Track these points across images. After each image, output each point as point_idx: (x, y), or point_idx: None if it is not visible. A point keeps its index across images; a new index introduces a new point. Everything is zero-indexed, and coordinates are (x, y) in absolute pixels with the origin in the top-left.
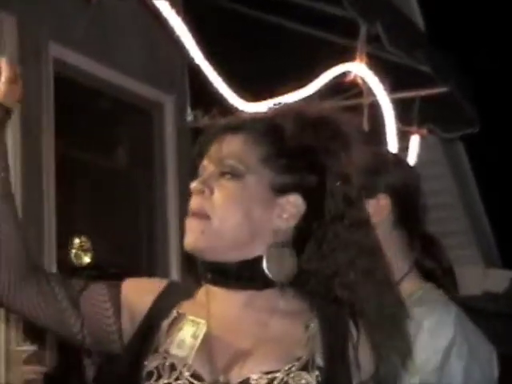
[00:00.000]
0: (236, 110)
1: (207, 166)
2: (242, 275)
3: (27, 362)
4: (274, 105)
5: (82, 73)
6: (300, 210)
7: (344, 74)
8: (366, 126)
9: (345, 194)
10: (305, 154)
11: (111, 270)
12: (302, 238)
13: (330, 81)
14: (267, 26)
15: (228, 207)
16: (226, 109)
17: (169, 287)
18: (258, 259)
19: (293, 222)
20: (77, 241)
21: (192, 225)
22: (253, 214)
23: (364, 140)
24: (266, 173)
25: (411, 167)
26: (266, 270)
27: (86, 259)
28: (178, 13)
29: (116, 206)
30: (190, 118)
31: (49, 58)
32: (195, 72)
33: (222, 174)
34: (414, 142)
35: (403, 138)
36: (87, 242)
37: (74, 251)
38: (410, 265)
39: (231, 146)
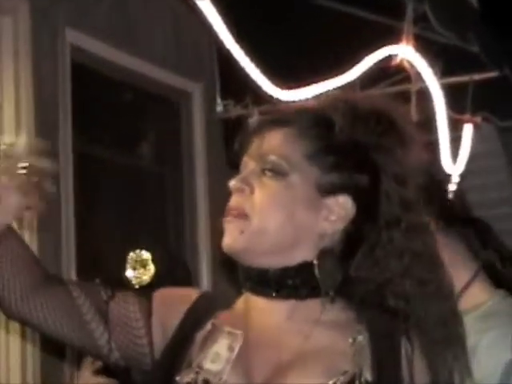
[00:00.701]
0: (271, 98)
1: (247, 163)
2: (285, 283)
3: None
4: (320, 94)
5: (102, 61)
6: (349, 212)
7: (389, 58)
8: (414, 115)
9: (401, 196)
10: (356, 150)
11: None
12: (351, 242)
13: (374, 65)
14: (304, 6)
15: (270, 207)
16: (260, 97)
17: (203, 297)
18: (303, 265)
19: (341, 225)
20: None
21: (230, 225)
22: (297, 216)
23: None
24: (311, 171)
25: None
26: (318, 277)
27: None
28: None
29: (141, 206)
30: (220, 108)
31: (65, 46)
32: (225, 58)
33: (263, 172)
34: (467, 131)
35: (455, 127)
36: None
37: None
38: (474, 270)
39: (273, 141)
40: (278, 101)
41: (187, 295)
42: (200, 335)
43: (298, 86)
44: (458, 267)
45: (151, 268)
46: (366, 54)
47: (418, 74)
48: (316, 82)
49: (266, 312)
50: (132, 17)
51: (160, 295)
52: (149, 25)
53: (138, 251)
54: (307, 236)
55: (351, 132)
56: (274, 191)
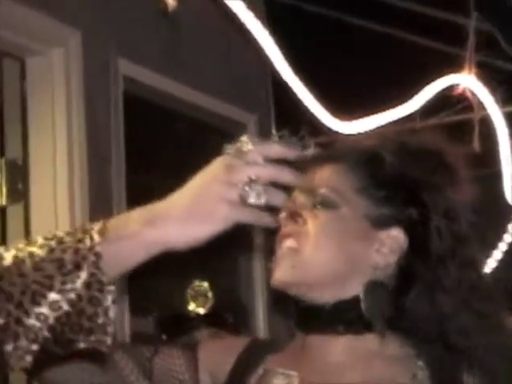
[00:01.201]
0: (327, 129)
1: (297, 197)
2: (339, 318)
3: None
4: (371, 130)
5: (155, 91)
6: (402, 245)
7: (451, 87)
8: (476, 145)
9: (452, 230)
10: (406, 186)
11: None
12: (405, 276)
13: (436, 94)
14: (363, 34)
15: (322, 239)
16: (317, 128)
17: (252, 344)
18: (357, 299)
19: (393, 258)
20: None
21: (281, 258)
22: (349, 248)
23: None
24: (362, 204)
25: None
26: (364, 311)
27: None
28: (261, 22)
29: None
30: (275, 139)
31: (118, 76)
32: (280, 88)
33: (314, 205)
34: None
35: None
36: None
37: None
38: None
39: (324, 176)
40: (335, 133)
41: (235, 343)
42: (253, 380)
43: (357, 117)
44: None
45: (210, 298)
46: (427, 83)
47: (481, 103)
48: (375, 112)
49: (320, 350)
50: (185, 47)
51: (206, 347)
52: (202, 54)
53: (197, 283)
54: (360, 268)
55: (402, 168)
56: (325, 223)
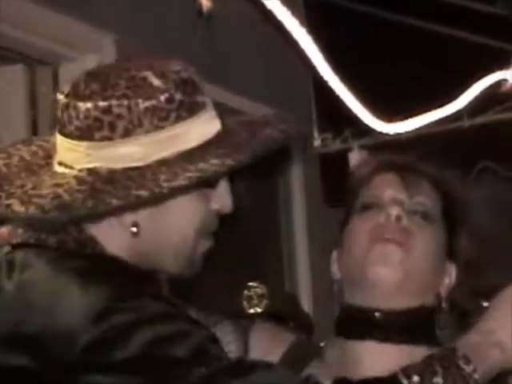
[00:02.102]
0: (372, 131)
1: (401, 197)
2: (406, 326)
3: None
4: (416, 130)
5: None
6: (452, 279)
7: (499, 84)
8: None
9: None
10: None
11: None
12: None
13: (483, 92)
14: (406, 31)
15: (426, 250)
16: (360, 130)
17: (296, 345)
18: (423, 310)
19: (447, 288)
20: None
21: (390, 250)
22: (437, 264)
23: None
24: (443, 229)
25: None
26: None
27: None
28: (301, 23)
29: (238, 248)
30: (317, 142)
31: None
32: (322, 89)
33: (415, 212)
34: None
35: None
36: None
37: None
38: None
39: (422, 188)
40: (380, 134)
41: (284, 337)
42: None
43: (402, 118)
44: None
45: (265, 301)
46: (475, 81)
47: None
48: (421, 112)
49: (373, 359)
50: (223, 49)
51: (258, 331)
52: (240, 57)
53: (253, 284)
54: (434, 284)
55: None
56: (429, 234)
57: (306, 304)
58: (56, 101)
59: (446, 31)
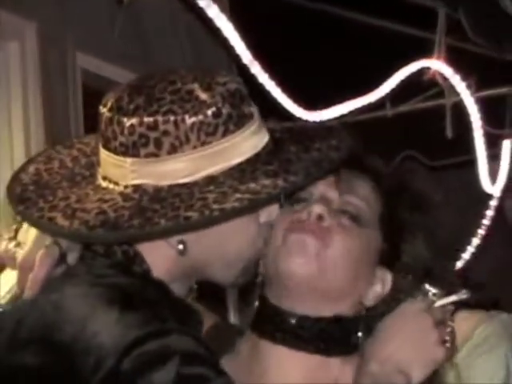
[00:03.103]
0: (295, 119)
1: (330, 195)
2: (316, 335)
3: None
4: (339, 118)
5: (116, 85)
6: (386, 289)
7: (422, 72)
8: (449, 131)
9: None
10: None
11: None
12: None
13: (406, 80)
14: (330, 19)
15: (346, 250)
16: (283, 118)
17: (213, 331)
18: (338, 319)
19: (376, 299)
20: None
21: (307, 240)
22: (361, 271)
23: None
24: (378, 234)
25: None
26: (359, 333)
27: None
28: (224, 10)
29: None
30: None
31: (76, 70)
32: (245, 77)
33: (344, 212)
34: (506, 148)
35: (493, 143)
36: None
37: None
38: None
39: (363, 189)
40: (304, 122)
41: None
42: None
43: (325, 106)
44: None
45: None
46: (397, 69)
47: (452, 88)
48: (344, 99)
49: (281, 366)
50: (146, 38)
51: None
52: (164, 45)
53: None
54: (354, 293)
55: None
56: (354, 237)
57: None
58: (99, 114)
59: (369, 20)
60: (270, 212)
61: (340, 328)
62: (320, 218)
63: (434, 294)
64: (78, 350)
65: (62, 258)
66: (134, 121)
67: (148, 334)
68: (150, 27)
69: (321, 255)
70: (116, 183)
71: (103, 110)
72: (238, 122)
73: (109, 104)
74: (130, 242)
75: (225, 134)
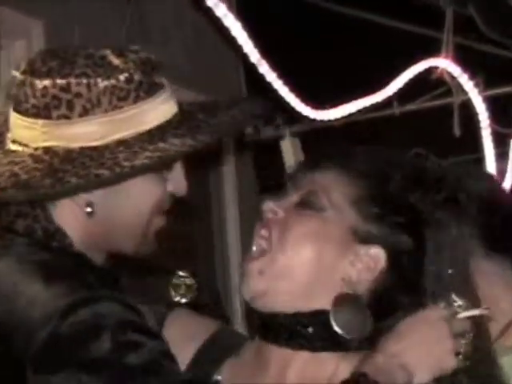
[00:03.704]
0: (303, 118)
1: (290, 192)
2: (296, 331)
3: None
4: (347, 117)
5: None
6: (379, 265)
7: (429, 71)
8: (456, 130)
9: (454, 278)
10: (407, 212)
11: None
12: (382, 305)
13: (413, 79)
14: (338, 19)
15: (298, 240)
16: (292, 117)
17: (216, 336)
18: (317, 313)
19: (367, 276)
20: None
21: (249, 267)
22: (323, 254)
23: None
24: (352, 215)
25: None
26: (338, 327)
27: None
28: (231, 9)
29: (174, 232)
30: (249, 129)
31: None
32: (253, 76)
33: (301, 204)
34: None
35: (501, 142)
36: None
37: None
38: None
39: (323, 179)
40: (312, 121)
41: (201, 328)
42: None
43: (333, 105)
44: (502, 299)
45: (193, 288)
46: (404, 68)
47: (460, 87)
48: (352, 99)
49: (280, 366)
50: (152, 37)
51: (174, 323)
52: (170, 43)
53: (180, 273)
54: (329, 279)
55: (406, 193)
56: (306, 224)
57: (238, 299)
58: (11, 77)
59: (377, 19)
60: (179, 182)
61: (319, 321)
62: (274, 212)
63: (460, 306)
64: (9, 329)
65: None
66: (46, 82)
67: (79, 301)
68: (155, 26)
69: (266, 267)
70: (26, 145)
71: (16, 73)
72: (149, 89)
73: (22, 67)
74: (51, 212)
75: (136, 100)
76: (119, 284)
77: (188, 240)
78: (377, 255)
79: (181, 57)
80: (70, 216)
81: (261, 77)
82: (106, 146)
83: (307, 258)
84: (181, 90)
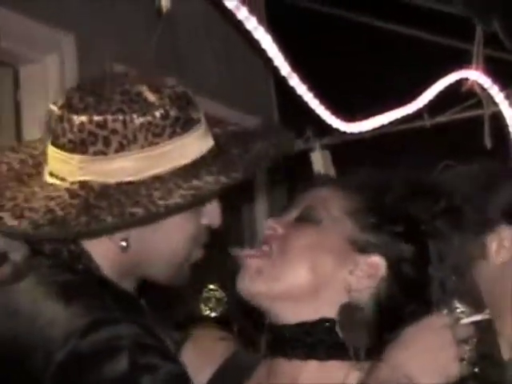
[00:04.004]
0: (333, 130)
1: (291, 212)
2: (301, 340)
3: None
4: (378, 129)
5: None
6: (379, 272)
7: (459, 83)
8: (487, 142)
9: (458, 286)
10: (405, 221)
11: None
12: (387, 314)
13: (444, 91)
14: (369, 31)
15: (297, 251)
16: (322, 130)
17: (232, 359)
18: (321, 321)
19: (368, 284)
20: None
21: (248, 262)
22: (322, 264)
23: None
24: (349, 226)
25: None
26: (342, 336)
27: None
28: (261, 22)
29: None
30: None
31: None
32: (283, 89)
33: (299, 218)
34: None
35: None
36: None
37: None
38: None
39: (319, 195)
40: (342, 133)
41: (218, 352)
42: None
43: (364, 117)
44: None
45: (223, 302)
46: (436, 80)
47: (491, 98)
48: (382, 111)
49: (289, 377)
50: (182, 50)
51: (189, 348)
52: (200, 56)
53: (211, 287)
54: (330, 288)
55: (403, 203)
56: (304, 235)
57: None
58: (49, 111)
59: (408, 31)
60: (213, 216)
61: (323, 330)
62: (273, 229)
63: (462, 312)
64: (27, 349)
65: (1, 257)
66: (83, 118)
67: (98, 321)
68: (186, 39)
69: (264, 267)
70: (63, 179)
71: (54, 108)
72: (184, 124)
73: (59, 102)
74: (76, 240)
75: (171, 135)
76: (141, 308)
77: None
78: (376, 263)
79: (211, 70)
80: (101, 246)
81: (291, 89)
82: (141, 182)
83: (306, 268)
84: (210, 103)
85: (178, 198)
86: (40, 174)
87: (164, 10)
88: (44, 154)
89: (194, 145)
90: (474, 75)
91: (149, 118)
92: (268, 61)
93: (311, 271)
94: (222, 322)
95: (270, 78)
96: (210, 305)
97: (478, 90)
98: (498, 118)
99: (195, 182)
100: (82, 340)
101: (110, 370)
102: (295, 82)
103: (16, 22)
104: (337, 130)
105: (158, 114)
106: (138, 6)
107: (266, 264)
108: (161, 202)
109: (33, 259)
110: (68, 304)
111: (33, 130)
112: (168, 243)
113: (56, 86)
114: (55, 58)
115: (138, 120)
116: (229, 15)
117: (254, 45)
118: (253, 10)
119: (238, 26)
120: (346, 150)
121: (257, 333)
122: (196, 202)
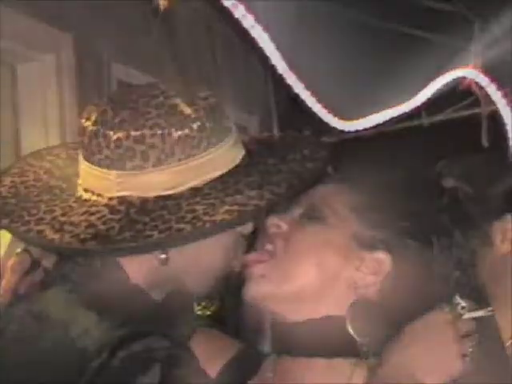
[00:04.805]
0: (331, 129)
1: (294, 208)
2: (307, 338)
3: None
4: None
5: None
6: (384, 269)
7: (457, 82)
8: (484, 141)
9: (459, 283)
10: (410, 217)
11: None
12: (393, 307)
13: (442, 89)
14: (367, 29)
15: (302, 249)
16: (320, 129)
17: (238, 356)
18: (329, 319)
19: (374, 280)
20: None
21: (251, 270)
22: (328, 261)
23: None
24: (355, 223)
25: None
26: (355, 334)
27: None
28: (258, 21)
29: None
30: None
31: (112, 81)
32: (281, 87)
33: (303, 215)
34: None
35: None
36: None
37: None
38: None
39: (321, 190)
40: (339, 132)
41: (225, 348)
42: None
43: (361, 116)
44: None
45: (214, 305)
46: (433, 78)
47: (488, 97)
48: (380, 109)
49: (295, 375)
50: (180, 48)
51: (198, 341)
52: (198, 55)
53: None
54: (336, 285)
55: (406, 199)
56: (309, 232)
57: None
58: (82, 127)
59: (405, 30)
60: (249, 224)
61: (329, 327)
62: (278, 227)
63: (463, 308)
64: (61, 358)
65: (34, 265)
66: (120, 134)
67: (131, 334)
68: (184, 38)
69: (267, 271)
70: (100, 195)
71: (87, 123)
72: (219, 135)
73: (93, 118)
74: (120, 255)
75: (207, 147)
76: (170, 320)
77: None
78: (381, 259)
79: (210, 70)
80: (136, 258)
81: (289, 88)
82: (180, 195)
83: (311, 266)
84: None
85: (223, 213)
86: (71, 188)
87: (162, 8)
88: (69, 164)
89: (229, 154)
90: (472, 74)
91: (186, 131)
92: (266, 59)
93: (319, 269)
94: (215, 320)
95: (268, 77)
96: (203, 304)
97: (476, 89)
98: (495, 116)
99: (238, 197)
100: (114, 353)
101: (143, 383)
102: (292, 80)
103: (14, 21)
104: (335, 129)
105: (195, 126)
106: (137, 5)
107: (271, 266)
108: (206, 218)
109: (64, 267)
110: (100, 314)
111: (30, 129)
112: (208, 256)
113: (54, 85)
114: (53, 57)
115: (176, 133)
116: (227, 14)
117: (252, 44)
118: (250, 9)
119: (236, 24)
120: (343, 148)
121: (257, 333)
122: (242, 219)
